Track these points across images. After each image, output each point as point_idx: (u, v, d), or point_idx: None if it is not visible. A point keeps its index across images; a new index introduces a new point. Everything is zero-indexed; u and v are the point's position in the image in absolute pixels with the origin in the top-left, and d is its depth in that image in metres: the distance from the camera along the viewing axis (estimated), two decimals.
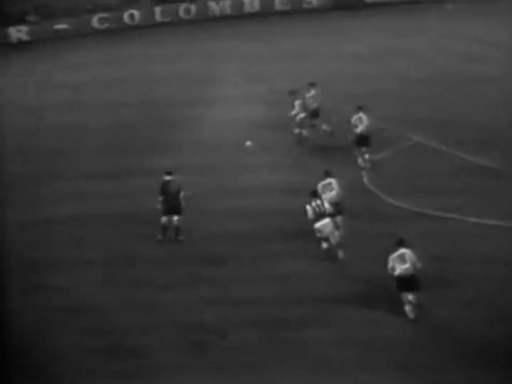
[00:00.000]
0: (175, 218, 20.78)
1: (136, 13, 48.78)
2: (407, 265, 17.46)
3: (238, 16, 49.38)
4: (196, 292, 18.76)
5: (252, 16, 49.57)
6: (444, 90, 32.81)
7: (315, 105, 27.64)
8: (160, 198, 20.76)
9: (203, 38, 44.66)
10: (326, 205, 20.06)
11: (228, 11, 50.08)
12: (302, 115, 27.65)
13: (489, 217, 21.69)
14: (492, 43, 38.97)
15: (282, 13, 49.92)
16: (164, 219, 20.80)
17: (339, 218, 20.73)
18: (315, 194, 20.17)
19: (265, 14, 49.48)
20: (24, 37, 47.35)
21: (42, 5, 48.46)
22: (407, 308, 17.50)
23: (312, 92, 27.85)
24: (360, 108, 25.82)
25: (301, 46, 41.51)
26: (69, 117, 32.38)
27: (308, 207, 19.95)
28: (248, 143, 26.35)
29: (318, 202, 20.00)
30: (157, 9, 49.05)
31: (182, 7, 49.28)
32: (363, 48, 40.55)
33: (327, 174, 21.25)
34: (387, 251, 17.82)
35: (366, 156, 25.56)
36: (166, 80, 36.98)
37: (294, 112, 27.66)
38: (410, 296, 17.50)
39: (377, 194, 23.77)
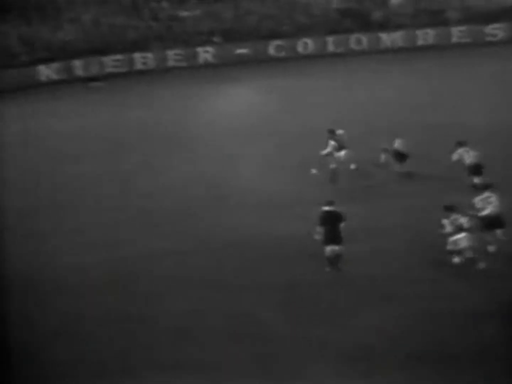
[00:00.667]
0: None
1: (309, 42, 49.99)
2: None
3: (409, 49, 48.85)
4: None
5: (426, 49, 48.77)
6: None
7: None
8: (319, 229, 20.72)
9: (372, 70, 44.78)
10: (463, 219, 20.72)
11: (399, 43, 49.99)
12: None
13: None
14: None
15: (460, 46, 48.66)
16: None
17: (499, 232, 21.09)
18: (451, 209, 20.79)
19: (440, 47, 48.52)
20: (211, 59, 49.72)
21: (227, 29, 51.12)
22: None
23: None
24: None
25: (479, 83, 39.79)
26: None
27: (445, 221, 20.93)
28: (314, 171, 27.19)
29: (456, 216, 20.79)
30: (329, 39, 49.98)
31: (352, 38, 50.07)
32: None
33: (486, 187, 21.50)
34: None
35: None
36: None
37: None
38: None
39: None
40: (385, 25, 51.16)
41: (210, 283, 20.75)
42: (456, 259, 20.85)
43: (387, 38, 50.31)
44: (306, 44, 50.04)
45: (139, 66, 49.21)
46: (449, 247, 20.87)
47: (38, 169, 31.30)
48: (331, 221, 20.58)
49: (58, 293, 20.68)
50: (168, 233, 24.08)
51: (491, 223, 21.00)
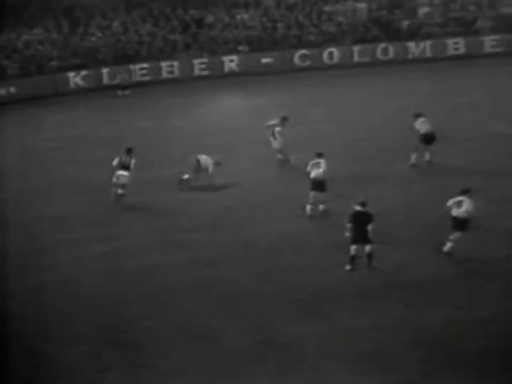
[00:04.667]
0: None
1: (335, 51, 49.76)
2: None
3: (439, 59, 48.12)
4: None
5: (458, 58, 47.99)
6: None
7: None
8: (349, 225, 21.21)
9: (398, 78, 44.60)
10: None
11: (428, 53, 49.36)
12: None
13: None
14: None
15: (493, 55, 47.89)
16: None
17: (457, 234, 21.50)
18: None
19: (472, 56, 47.65)
20: (235, 68, 49.68)
21: (254, 38, 50.91)
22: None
23: None
24: None
25: None
26: None
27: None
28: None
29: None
30: (355, 49, 49.74)
31: (380, 47, 49.75)
32: None
33: (464, 192, 21.78)
34: None
35: None
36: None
37: None
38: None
39: None
40: (413, 35, 50.74)
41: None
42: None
43: (415, 48, 49.85)
44: (331, 54, 49.89)
45: (165, 75, 49.24)
46: None
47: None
48: (360, 221, 20.87)
49: (83, 302, 20.84)
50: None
51: (458, 224, 21.53)
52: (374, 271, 21.09)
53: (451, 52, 49.50)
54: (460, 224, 21.47)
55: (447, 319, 18.65)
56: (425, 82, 43.54)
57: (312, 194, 25.19)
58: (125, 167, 27.20)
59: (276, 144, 30.21)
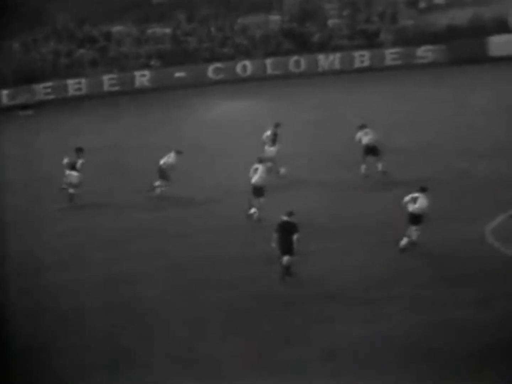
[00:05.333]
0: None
1: (248, 64, 49.62)
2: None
3: (347, 71, 49.07)
4: None
5: (363, 71, 49.00)
6: None
7: None
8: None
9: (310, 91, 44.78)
10: None
11: (337, 65, 50.04)
12: None
13: None
14: None
15: (393, 68, 49.08)
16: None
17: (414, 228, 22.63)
18: None
19: (375, 69, 48.81)
20: (147, 83, 48.85)
21: (164, 50, 50.19)
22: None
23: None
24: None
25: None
26: None
27: None
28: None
29: None
30: (268, 61, 49.77)
31: (292, 60, 49.91)
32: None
33: (422, 189, 22.85)
34: None
35: None
36: None
37: None
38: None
39: None
40: (324, 47, 51.17)
41: None
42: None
43: (324, 60, 50.31)
44: (245, 66, 49.79)
45: (72, 92, 47.91)
46: None
47: None
48: (286, 231, 20.94)
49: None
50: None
51: (412, 218, 22.85)
52: (293, 279, 21.05)
53: (357, 64, 50.20)
54: (415, 218, 22.73)
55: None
56: (338, 95, 44.04)
57: (252, 198, 25.66)
58: (73, 167, 28.30)
59: (270, 151, 29.73)
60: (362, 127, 29.26)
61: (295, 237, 20.80)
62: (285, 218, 21.15)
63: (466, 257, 22.28)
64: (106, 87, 48.53)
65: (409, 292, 20.39)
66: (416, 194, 22.71)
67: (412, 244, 22.67)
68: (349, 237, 24.08)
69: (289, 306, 20.08)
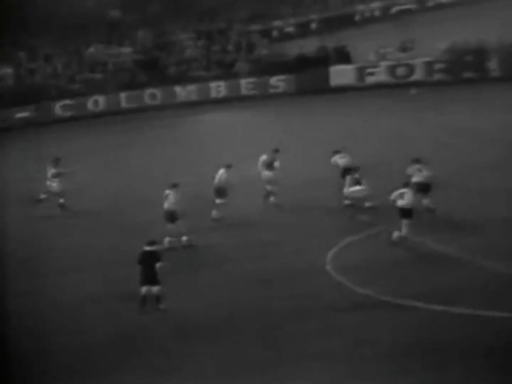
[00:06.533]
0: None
1: (101, 99, 48.13)
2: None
3: (203, 102, 48.72)
4: None
5: (219, 101, 48.82)
6: None
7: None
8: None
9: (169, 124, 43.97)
10: None
11: (194, 96, 49.47)
12: None
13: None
14: None
15: (248, 98, 49.21)
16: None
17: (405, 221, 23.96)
18: None
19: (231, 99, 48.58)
20: None
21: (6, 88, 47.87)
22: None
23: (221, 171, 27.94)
24: None
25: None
26: None
27: None
28: None
29: None
30: (123, 95, 48.56)
31: (147, 93, 48.90)
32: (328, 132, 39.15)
33: (405, 185, 24.41)
34: None
35: None
36: None
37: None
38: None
39: None
40: (180, 78, 50.31)
41: None
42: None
43: (181, 91, 49.47)
44: (97, 102, 48.10)
45: None
46: None
47: None
48: (148, 261, 20.66)
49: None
50: None
51: (403, 213, 23.98)
52: (164, 313, 20.56)
53: (214, 94, 49.86)
54: (406, 212, 23.87)
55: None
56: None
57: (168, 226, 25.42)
58: (54, 176, 29.92)
59: (267, 175, 29.21)
60: (336, 152, 29.13)
61: (158, 266, 20.55)
62: (146, 247, 20.89)
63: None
64: None
65: None
66: (402, 190, 23.90)
67: (403, 238, 23.70)
68: None
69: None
